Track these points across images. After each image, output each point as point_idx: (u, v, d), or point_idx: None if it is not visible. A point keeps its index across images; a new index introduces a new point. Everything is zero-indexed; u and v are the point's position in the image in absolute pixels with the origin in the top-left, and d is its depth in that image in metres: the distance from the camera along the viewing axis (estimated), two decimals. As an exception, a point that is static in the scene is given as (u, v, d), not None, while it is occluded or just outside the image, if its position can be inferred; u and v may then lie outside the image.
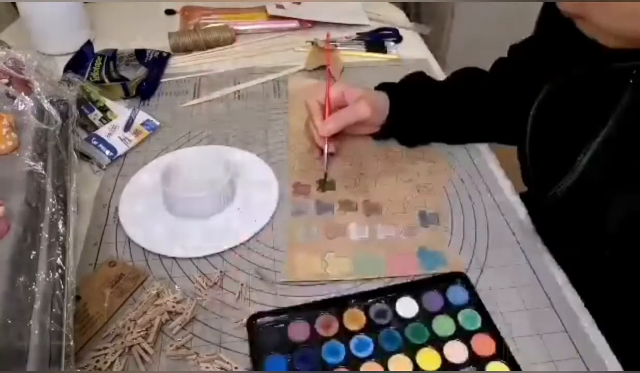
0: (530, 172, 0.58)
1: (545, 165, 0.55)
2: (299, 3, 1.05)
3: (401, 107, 0.66)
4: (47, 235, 0.45)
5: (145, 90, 0.79)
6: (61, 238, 0.47)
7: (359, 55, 0.91)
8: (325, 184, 0.63)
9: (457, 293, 0.49)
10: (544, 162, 0.55)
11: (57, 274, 0.43)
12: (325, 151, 0.63)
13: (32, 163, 0.50)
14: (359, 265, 0.53)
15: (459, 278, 0.51)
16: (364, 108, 0.62)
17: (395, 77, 0.70)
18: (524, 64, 0.63)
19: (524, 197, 0.62)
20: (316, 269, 0.53)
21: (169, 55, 0.89)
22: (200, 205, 0.57)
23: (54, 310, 0.40)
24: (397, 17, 1.06)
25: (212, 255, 0.54)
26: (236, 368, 0.44)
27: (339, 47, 0.91)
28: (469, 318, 0.47)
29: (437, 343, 0.46)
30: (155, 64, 0.85)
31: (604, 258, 0.53)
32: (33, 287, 0.40)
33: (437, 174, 0.64)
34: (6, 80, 0.60)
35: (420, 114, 0.67)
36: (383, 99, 0.66)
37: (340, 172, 0.64)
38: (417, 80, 0.70)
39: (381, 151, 0.68)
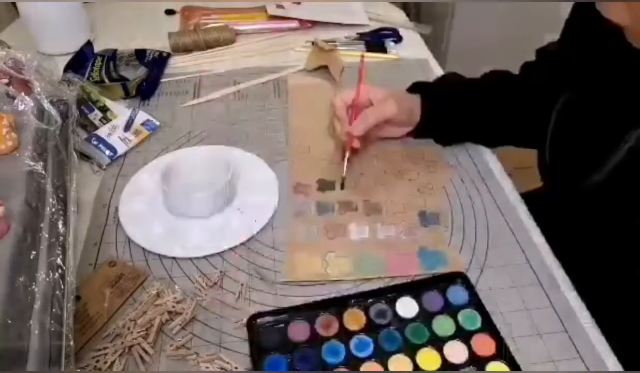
0: (550, 169, 0.59)
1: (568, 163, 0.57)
2: (299, 3, 1.05)
3: (434, 107, 0.67)
4: (47, 235, 0.45)
5: (145, 90, 0.79)
6: (61, 238, 0.47)
7: (359, 55, 0.91)
8: (343, 181, 0.63)
9: (457, 293, 0.49)
10: (566, 161, 0.57)
11: (57, 274, 0.43)
12: (347, 155, 0.63)
13: (32, 163, 0.50)
14: (359, 265, 0.53)
15: (459, 278, 0.51)
16: (391, 106, 0.63)
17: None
18: (547, 70, 0.65)
19: (526, 196, 0.61)
20: (316, 269, 0.53)
21: (169, 55, 0.89)
22: (200, 205, 0.57)
23: (54, 310, 0.40)
24: (397, 17, 1.06)
25: (212, 255, 0.54)
26: (236, 368, 0.44)
27: (339, 47, 0.91)
28: (469, 318, 0.47)
29: (437, 343, 0.46)
30: (155, 64, 0.85)
31: (606, 256, 0.53)
32: (33, 287, 0.40)
33: (437, 174, 0.64)
34: (6, 80, 0.59)
35: (454, 114, 0.67)
36: (412, 98, 0.67)
37: (340, 173, 0.64)
38: (450, 80, 0.71)
39: (381, 151, 0.68)
